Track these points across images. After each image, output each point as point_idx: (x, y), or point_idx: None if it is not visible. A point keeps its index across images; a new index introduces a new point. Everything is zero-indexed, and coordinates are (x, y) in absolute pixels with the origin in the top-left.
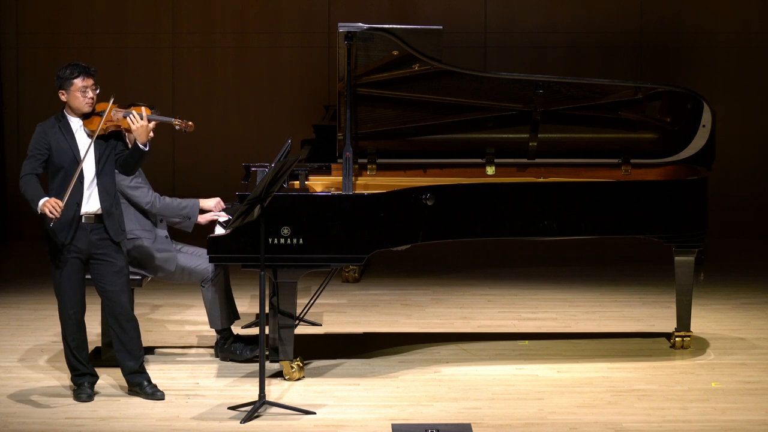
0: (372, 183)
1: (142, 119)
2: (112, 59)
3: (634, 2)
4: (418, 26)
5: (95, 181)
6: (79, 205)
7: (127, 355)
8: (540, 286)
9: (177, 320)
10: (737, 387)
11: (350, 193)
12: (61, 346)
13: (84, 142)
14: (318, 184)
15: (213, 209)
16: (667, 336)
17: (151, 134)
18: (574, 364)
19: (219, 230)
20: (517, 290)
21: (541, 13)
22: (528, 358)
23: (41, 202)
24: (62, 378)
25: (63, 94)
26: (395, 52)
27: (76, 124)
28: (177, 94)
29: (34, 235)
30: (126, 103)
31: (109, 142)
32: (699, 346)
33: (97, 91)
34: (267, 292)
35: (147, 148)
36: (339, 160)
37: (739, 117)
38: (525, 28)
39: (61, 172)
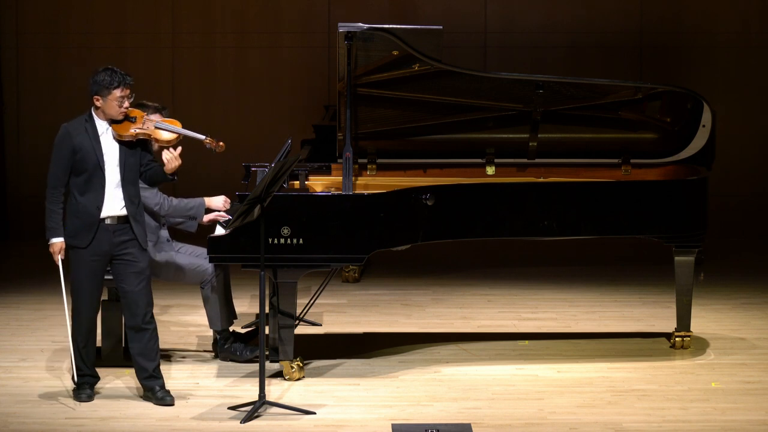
0: (372, 183)
1: (173, 133)
2: (112, 59)
3: (634, 2)
4: (418, 26)
5: (120, 186)
6: (99, 209)
7: (141, 359)
8: (540, 286)
9: (177, 320)
10: (737, 387)
11: (350, 193)
12: (61, 346)
13: (109, 146)
14: (318, 184)
15: (220, 208)
16: (667, 336)
17: (179, 161)
18: (574, 364)
19: (219, 230)
20: (517, 290)
21: (541, 13)
22: (528, 358)
23: (55, 240)
24: (62, 378)
25: (98, 100)
26: (395, 52)
27: (102, 126)
28: (177, 94)
29: (34, 235)
30: (134, 103)
31: (136, 150)
32: (699, 346)
33: (132, 99)
34: (267, 292)
35: (175, 179)
36: (339, 160)
37: (739, 117)
38: (525, 28)
39: (84, 174)
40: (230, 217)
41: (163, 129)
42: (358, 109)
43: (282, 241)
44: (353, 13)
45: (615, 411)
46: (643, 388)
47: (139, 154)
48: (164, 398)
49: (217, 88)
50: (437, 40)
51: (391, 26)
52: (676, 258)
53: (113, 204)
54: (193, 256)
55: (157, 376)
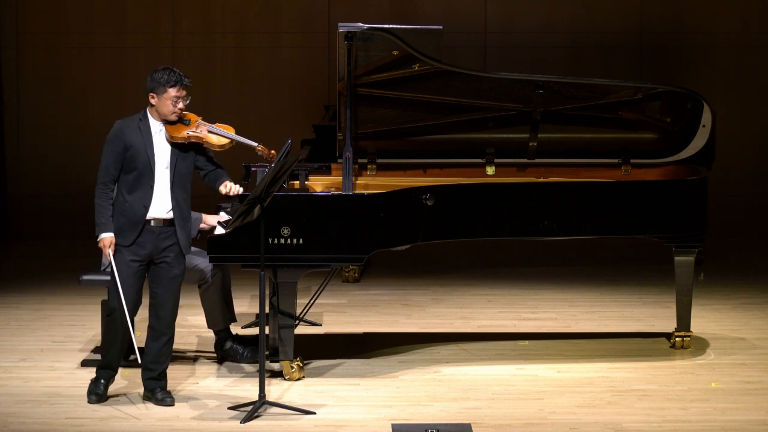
0: (372, 183)
1: (226, 138)
2: (112, 59)
3: (634, 2)
4: (418, 26)
5: (169, 189)
6: (146, 208)
7: (152, 360)
8: (540, 286)
9: (177, 321)
10: (737, 387)
11: (350, 193)
12: (61, 346)
13: (161, 146)
14: (318, 184)
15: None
16: (667, 336)
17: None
18: (574, 364)
19: (219, 230)
20: (517, 290)
21: (541, 13)
22: (528, 358)
23: (104, 235)
24: (62, 378)
25: (153, 98)
26: (395, 52)
27: (156, 126)
28: None
29: (34, 235)
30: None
31: (189, 154)
32: (699, 346)
33: (188, 102)
34: (267, 292)
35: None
36: (339, 160)
37: (739, 117)
38: (525, 28)
39: (134, 172)
40: (230, 217)
41: (217, 134)
42: (358, 109)
43: (282, 241)
44: (353, 13)
45: (615, 411)
46: (643, 388)
47: (192, 158)
48: (164, 399)
49: (217, 88)
50: (437, 40)
51: (391, 26)
52: (676, 258)
53: (160, 205)
54: (193, 256)
55: (161, 378)
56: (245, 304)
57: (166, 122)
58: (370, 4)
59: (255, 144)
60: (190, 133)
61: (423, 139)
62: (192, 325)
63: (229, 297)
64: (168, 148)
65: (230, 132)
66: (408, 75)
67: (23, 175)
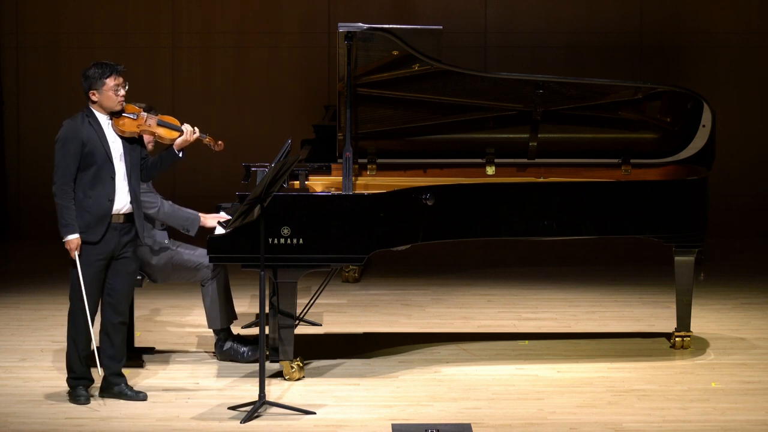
0: (372, 183)
1: (176, 131)
2: (112, 59)
3: (634, 2)
4: (418, 26)
5: (125, 180)
6: (111, 201)
7: (115, 355)
8: (540, 286)
9: (177, 321)
10: (737, 387)
11: (350, 193)
12: (60, 346)
13: (113, 138)
14: (318, 184)
15: (213, 227)
16: (667, 336)
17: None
18: (574, 364)
19: (219, 230)
20: (517, 290)
21: (541, 13)
22: (528, 358)
23: (72, 237)
24: (62, 378)
25: (94, 94)
26: (395, 52)
27: (104, 120)
28: (177, 94)
29: (33, 235)
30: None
31: (135, 146)
32: (699, 346)
33: (127, 88)
34: (267, 292)
35: (182, 155)
36: (339, 160)
37: (739, 117)
38: (525, 28)
39: (93, 167)
40: (230, 217)
41: (166, 126)
42: (358, 109)
43: (282, 241)
44: (353, 13)
45: (615, 411)
46: (643, 388)
47: (138, 149)
48: (138, 394)
49: (217, 88)
50: (437, 40)
51: (391, 26)
52: (676, 258)
53: (122, 197)
54: (194, 255)
55: (122, 374)
56: (245, 304)
57: (113, 115)
58: (370, 4)
59: (203, 135)
60: (141, 128)
61: (423, 139)
62: (192, 324)
63: (230, 296)
64: (118, 140)
65: (176, 123)
66: (408, 75)
67: (23, 175)
